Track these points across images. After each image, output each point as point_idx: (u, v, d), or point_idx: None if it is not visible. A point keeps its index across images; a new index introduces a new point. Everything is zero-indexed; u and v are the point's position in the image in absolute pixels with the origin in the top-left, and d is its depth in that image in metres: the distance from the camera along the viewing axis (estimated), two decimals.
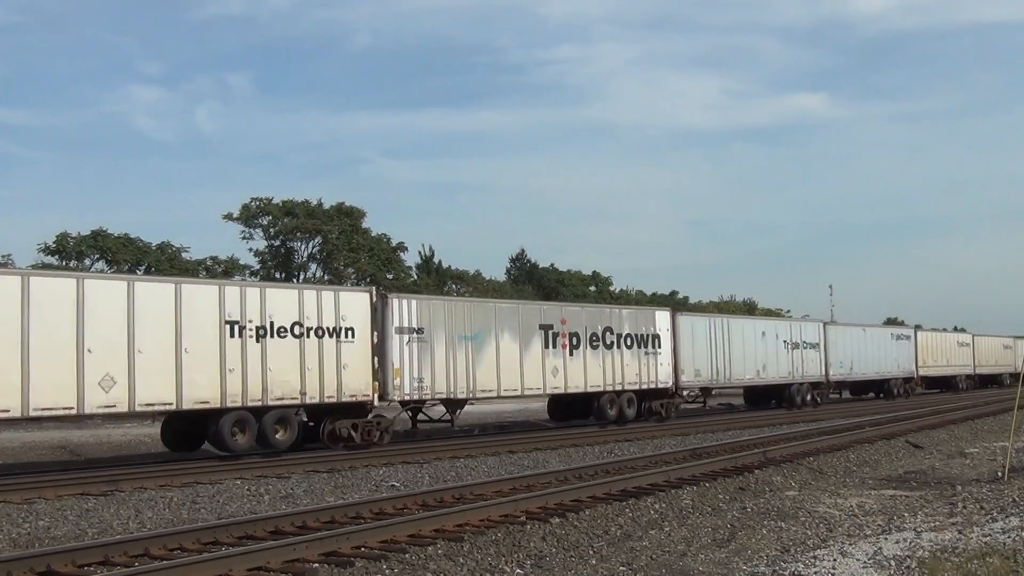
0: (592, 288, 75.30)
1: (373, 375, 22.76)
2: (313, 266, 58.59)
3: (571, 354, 28.13)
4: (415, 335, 23.86)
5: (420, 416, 26.18)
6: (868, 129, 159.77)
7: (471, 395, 25.48)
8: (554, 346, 27.63)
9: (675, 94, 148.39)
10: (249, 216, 56.73)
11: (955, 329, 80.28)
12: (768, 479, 16.10)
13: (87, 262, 48.84)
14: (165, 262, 49.89)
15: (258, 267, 57.37)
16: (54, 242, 48.07)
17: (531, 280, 73.14)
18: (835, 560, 9.28)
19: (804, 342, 40.28)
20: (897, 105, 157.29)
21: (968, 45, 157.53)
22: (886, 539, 10.40)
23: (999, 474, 15.94)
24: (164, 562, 9.28)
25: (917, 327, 58.00)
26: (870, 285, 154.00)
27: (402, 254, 61.27)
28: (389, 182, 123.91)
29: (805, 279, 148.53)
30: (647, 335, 31.09)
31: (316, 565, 9.35)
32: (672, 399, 32.28)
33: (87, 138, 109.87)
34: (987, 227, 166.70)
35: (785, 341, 39.02)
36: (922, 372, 52.34)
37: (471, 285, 64.59)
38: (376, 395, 22.86)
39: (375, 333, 23.00)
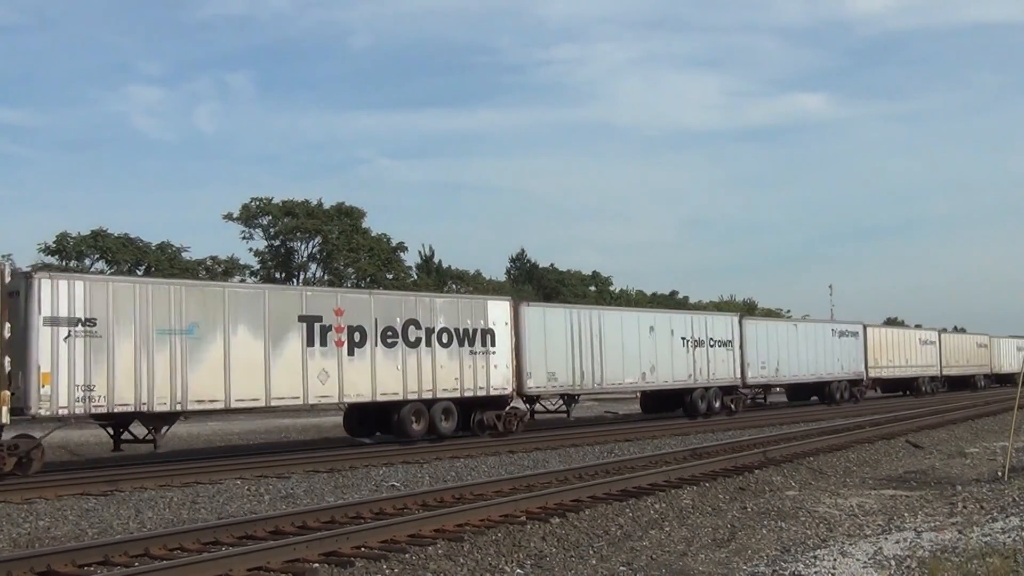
0: (592, 288, 75.33)
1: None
2: (313, 266, 58.66)
3: (351, 354, 22.60)
4: (81, 328, 18.25)
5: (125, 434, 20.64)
6: (868, 129, 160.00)
7: (180, 407, 19.70)
8: (323, 343, 22.10)
9: (675, 94, 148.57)
10: (249, 216, 56.80)
11: (955, 329, 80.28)
12: (768, 479, 16.10)
13: (87, 262, 48.87)
14: (165, 262, 49.93)
15: (258, 267, 57.43)
16: (54, 242, 48.17)
17: (531, 280, 73.15)
18: (835, 560, 9.27)
19: (712, 339, 34.72)
20: (896, 105, 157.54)
21: (967, 45, 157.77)
22: (886, 539, 10.40)
23: (999, 474, 15.93)
24: (164, 562, 9.28)
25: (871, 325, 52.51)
26: (870, 285, 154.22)
27: (402, 254, 61.36)
28: (389, 182, 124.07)
29: (805, 279, 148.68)
30: (474, 330, 25.66)
31: (316, 565, 9.35)
32: (514, 408, 27.04)
33: (87, 138, 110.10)
34: (987, 227, 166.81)
35: (684, 338, 33.31)
36: (873, 374, 46.81)
37: (471, 285, 64.62)
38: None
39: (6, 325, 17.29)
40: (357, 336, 22.95)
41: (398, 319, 24.08)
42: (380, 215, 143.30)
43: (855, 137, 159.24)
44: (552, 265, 76.32)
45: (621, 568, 9.61)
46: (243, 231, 57.11)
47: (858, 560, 9.26)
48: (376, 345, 23.33)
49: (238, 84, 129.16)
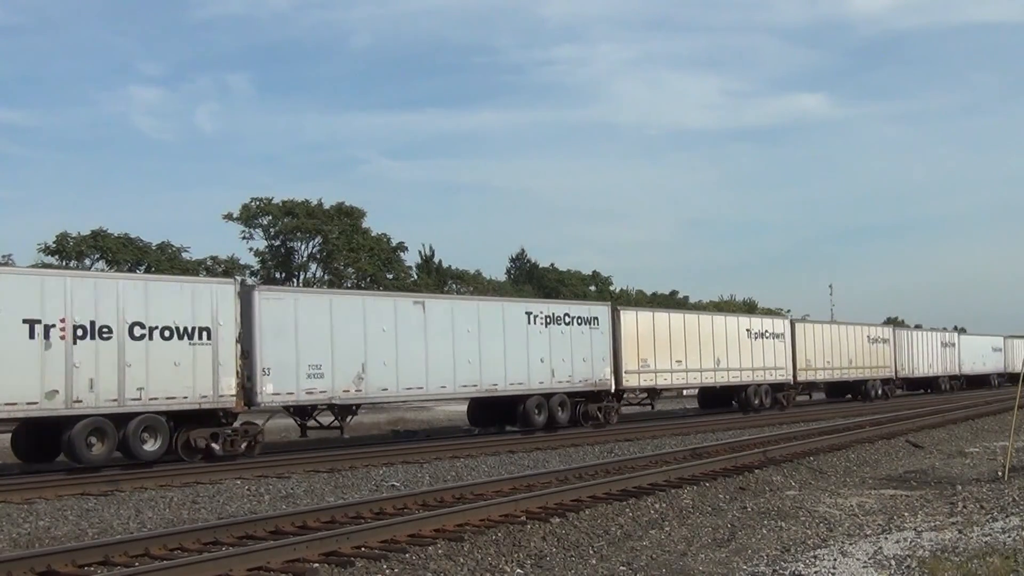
0: (592, 288, 75.32)
1: None
2: (313, 266, 58.66)
3: None
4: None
5: None
6: (868, 129, 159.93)
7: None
8: None
9: (675, 94, 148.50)
10: (249, 216, 56.76)
11: (955, 329, 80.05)
12: (768, 479, 16.10)
13: (87, 262, 48.88)
14: (165, 262, 49.92)
15: (258, 267, 57.43)
16: (54, 242, 48.14)
17: (531, 280, 73.15)
18: (835, 560, 9.28)
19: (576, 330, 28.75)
20: (896, 105, 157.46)
21: (967, 45, 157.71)
22: (886, 539, 10.40)
23: (999, 474, 15.94)
24: (164, 562, 9.28)
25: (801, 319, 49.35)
26: (870, 285, 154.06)
27: (402, 254, 61.32)
28: (389, 182, 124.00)
29: (805, 279, 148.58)
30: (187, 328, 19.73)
31: (316, 565, 9.35)
32: (233, 423, 20.62)
33: (87, 138, 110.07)
34: (987, 227, 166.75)
35: (469, 330, 25.57)
36: (805, 377, 41.27)
37: (471, 285, 64.60)
38: None
39: None
40: None
41: None
42: (380, 215, 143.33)
43: (855, 137, 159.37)
44: (552, 265, 76.36)
45: (621, 568, 9.61)
46: (243, 231, 57.09)
47: (858, 560, 9.26)
48: None
49: (238, 84, 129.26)
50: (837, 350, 43.78)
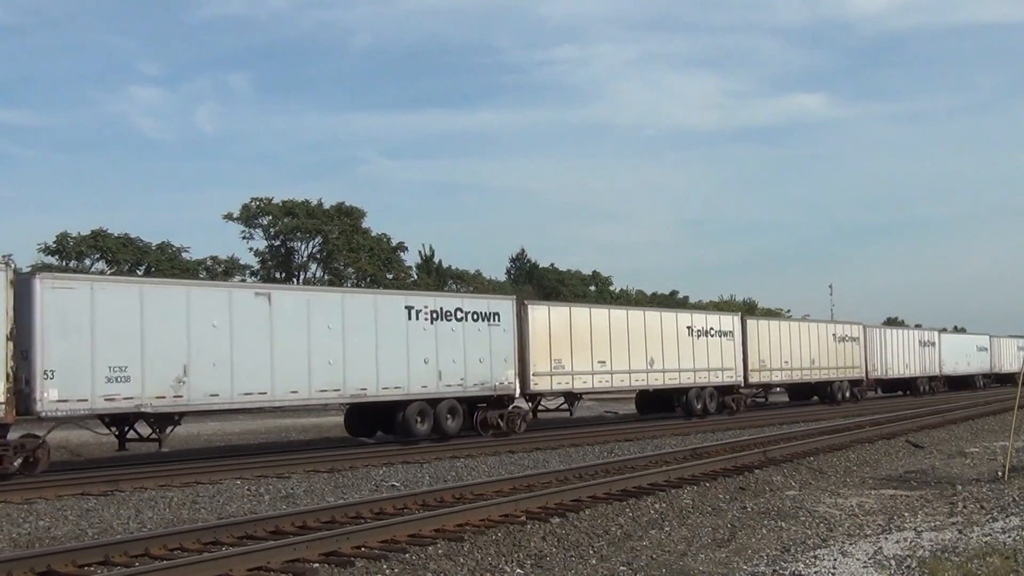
0: (592, 288, 75.35)
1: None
2: (313, 266, 58.70)
3: None
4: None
5: None
6: (867, 129, 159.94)
7: None
8: None
9: (674, 94, 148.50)
10: (249, 216, 56.84)
11: (955, 329, 79.91)
12: (768, 479, 16.10)
13: (87, 262, 48.90)
14: (165, 262, 49.97)
15: (258, 267, 57.47)
16: (54, 242, 48.22)
17: (531, 280, 73.18)
18: (835, 560, 9.28)
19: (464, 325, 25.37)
20: (896, 105, 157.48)
21: (966, 45, 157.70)
22: (886, 539, 10.40)
23: (999, 474, 15.94)
24: (164, 562, 9.28)
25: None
26: (870, 285, 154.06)
27: (402, 254, 61.38)
28: (389, 182, 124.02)
29: (805, 279, 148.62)
30: None
31: (316, 565, 9.35)
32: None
33: (87, 138, 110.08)
34: (987, 227, 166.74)
35: (330, 327, 22.24)
36: (757, 378, 37.64)
37: (471, 285, 64.64)
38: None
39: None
40: None
41: None
42: (380, 215, 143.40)
43: (855, 137, 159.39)
44: (552, 265, 76.50)
45: (621, 568, 9.61)
46: (243, 231, 57.23)
47: (858, 560, 9.26)
48: None
49: (238, 84, 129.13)
50: (797, 349, 40.15)
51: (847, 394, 43.55)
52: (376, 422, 24.55)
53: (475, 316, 25.55)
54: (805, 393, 44.62)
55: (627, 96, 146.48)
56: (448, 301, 25.71)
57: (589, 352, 29.14)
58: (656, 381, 32.21)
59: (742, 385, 36.49)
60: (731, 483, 15.34)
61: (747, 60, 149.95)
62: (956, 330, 73.22)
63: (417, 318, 24.12)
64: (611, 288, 77.66)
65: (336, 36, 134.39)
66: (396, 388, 23.33)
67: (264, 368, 20.67)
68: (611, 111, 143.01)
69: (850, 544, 10.19)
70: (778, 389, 43.81)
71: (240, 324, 20.40)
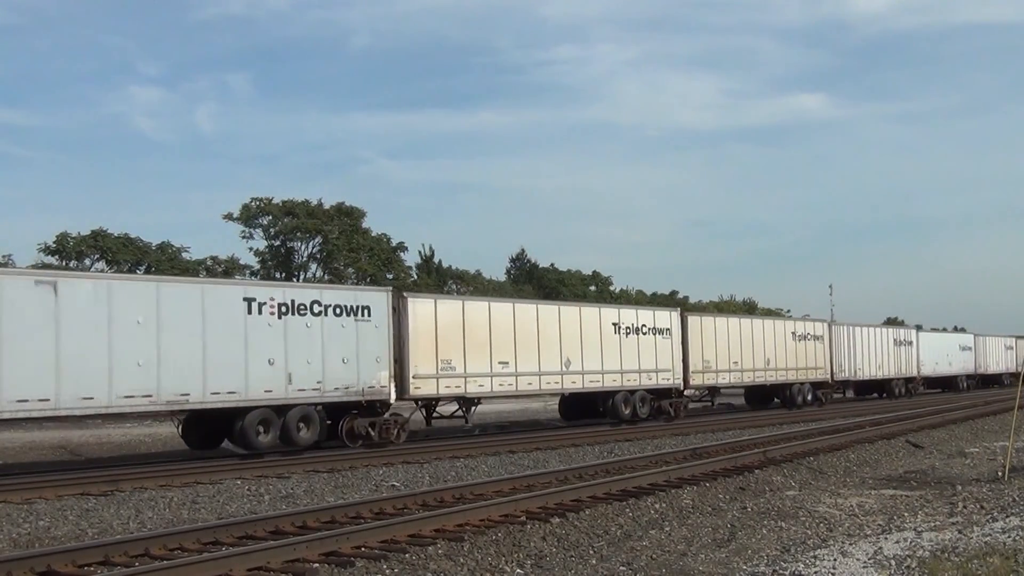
0: (592, 288, 75.33)
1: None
2: (313, 266, 58.69)
3: None
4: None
5: None
6: (867, 129, 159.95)
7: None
8: None
9: (674, 94, 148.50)
10: (249, 216, 56.81)
11: (956, 330, 79.52)
12: (768, 479, 16.11)
13: (87, 262, 48.89)
14: (165, 262, 49.95)
15: (258, 267, 57.46)
16: (54, 242, 48.14)
17: (531, 280, 73.15)
18: (835, 560, 9.28)
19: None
20: (896, 105, 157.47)
21: (966, 45, 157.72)
22: (886, 539, 10.41)
23: (999, 474, 15.95)
24: (164, 562, 9.28)
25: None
26: (870, 285, 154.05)
27: (402, 254, 61.37)
28: (389, 182, 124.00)
29: (805, 279, 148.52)
30: None
31: (316, 565, 9.35)
32: None
33: (87, 138, 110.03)
34: (987, 227, 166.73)
35: (140, 321, 19.45)
36: (699, 380, 34.34)
37: (471, 285, 64.62)
38: None
39: None
40: None
41: None
42: (380, 215, 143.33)
43: (855, 137, 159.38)
44: (552, 265, 76.35)
45: (621, 568, 9.61)
46: (243, 231, 57.14)
47: (858, 560, 9.26)
48: None
49: (238, 84, 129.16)
50: (749, 348, 36.45)
51: (808, 397, 39.91)
52: (220, 430, 21.57)
53: (338, 310, 22.39)
54: (764, 396, 41.03)
55: (627, 96, 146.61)
56: (302, 293, 22.49)
57: (487, 352, 25.79)
58: (574, 384, 28.69)
59: (682, 388, 33.04)
60: (731, 483, 15.34)
61: (747, 60, 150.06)
62: (956, 330, 72.30)
63: (260, 312, 21.00)
64: (611, 288, 77.61)
65: (336, 36, 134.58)
66: (230, 394, 20.29)
67: (47, 371, 17.69)
68: (611, 111, 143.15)
69: (850, 544, 10.19)
70: (722, 392, 38.79)
71: (11, 320, 17.46)
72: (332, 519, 11.93)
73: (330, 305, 22.34)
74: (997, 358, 63.77)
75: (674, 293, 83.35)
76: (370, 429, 22.82)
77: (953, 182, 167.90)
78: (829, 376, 42.14)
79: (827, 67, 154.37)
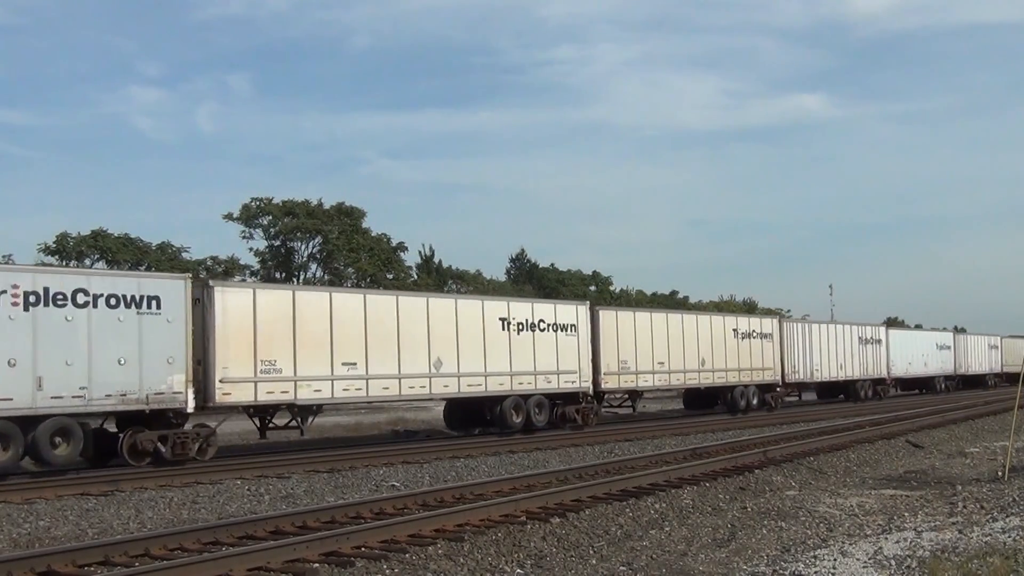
0: (592, 288, 75.35)
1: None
2: (313, 266, 58.71)
3: None
4: None
5: None
6: (867, 129, 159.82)
7: None
8: None
9: (674, 94, 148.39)
10: (249, 216, 56.83)
11: (956, 330, 78.93)
12: (768, 479, 16.11)
13: (87, 262, 48.90)
14: (165, 262, 49.95)
15: (258, 267, 57.49)
16: (54, 242, 48.20)
17: (531, 280, 73.17)
18: (835, 560, 9.28)
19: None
20: (896, 105, 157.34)
21: (966, 45, 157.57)
22: (886, 539, 10.41)
23: (999, 474, 15.95)
24: (164, 562, 9.29)
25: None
26: (870, 285, 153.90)
27: (402, 254, 61.38)
28: (389, 182, 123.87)
29: (805, 279, 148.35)
30: None
31: (316, 565, 9.35)
32: None
33: (87, 138, 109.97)
34: (987, 227, 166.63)
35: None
36: (611, 383, 30.54)
37: (471, 285, 64.64)
38: None
39: None
40: None
41: None
42: (380, 215, 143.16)
43: (855, 137, 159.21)
44: (552, 265, 76.39)
45: (621, 568, 9.61)
46: (243, 231, 57.16)
47: (858, 560, 9.27)
48: None
49: (238, 85, 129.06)
50: (679, 347, 32.69)
51: (754, 401, 36.29)
52: None
53: (112, 300, 18.48)
54: (705, 400, 37.29)
55: (627, 96, 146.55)
56: (61, 279, 18.31)
57: (327, 351, 22.12)
58: (447, 388, 24.87)
59: (590, 392, 29.25)
60: (731, 483, 15.34)
61: (747, 60, 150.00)
62: (957, 331, 71.21)
63: None
64: (611, 288, 77.62)
65: (336, 36, 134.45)
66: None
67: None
68: (611, 111, 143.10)
69: (850, 544, 10.19)
70: (645, 395, 35.36)
71: None
72: (332, 519, 11.94)
73: (101, 295, 18.40)
74: (980, 358, 60.69)
75: (674, 293, 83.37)
76: (160, 444, 18.98)
77: (953, 182, 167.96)
78: (780, 378, 38.58)
79: (827, 67, 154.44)
